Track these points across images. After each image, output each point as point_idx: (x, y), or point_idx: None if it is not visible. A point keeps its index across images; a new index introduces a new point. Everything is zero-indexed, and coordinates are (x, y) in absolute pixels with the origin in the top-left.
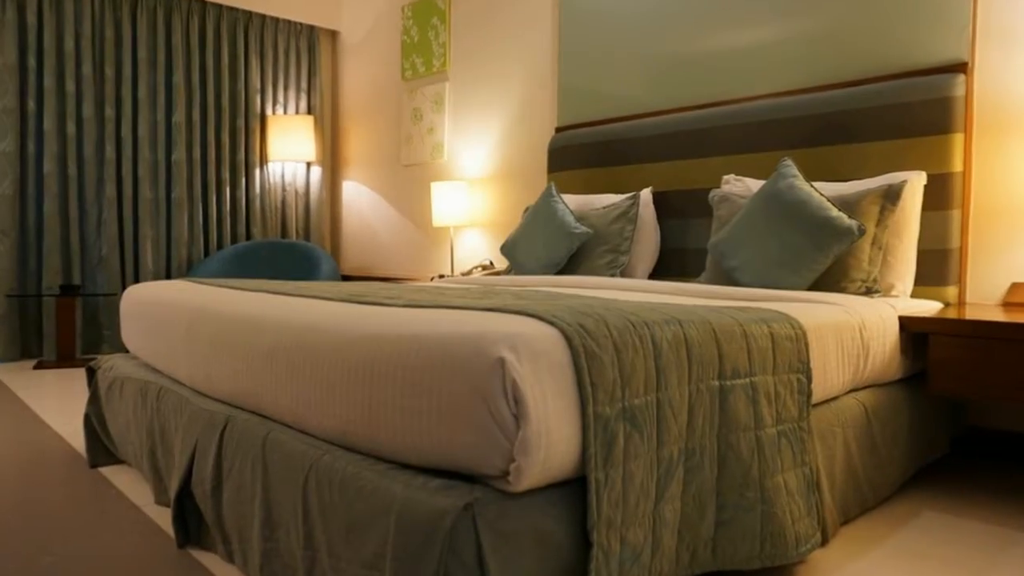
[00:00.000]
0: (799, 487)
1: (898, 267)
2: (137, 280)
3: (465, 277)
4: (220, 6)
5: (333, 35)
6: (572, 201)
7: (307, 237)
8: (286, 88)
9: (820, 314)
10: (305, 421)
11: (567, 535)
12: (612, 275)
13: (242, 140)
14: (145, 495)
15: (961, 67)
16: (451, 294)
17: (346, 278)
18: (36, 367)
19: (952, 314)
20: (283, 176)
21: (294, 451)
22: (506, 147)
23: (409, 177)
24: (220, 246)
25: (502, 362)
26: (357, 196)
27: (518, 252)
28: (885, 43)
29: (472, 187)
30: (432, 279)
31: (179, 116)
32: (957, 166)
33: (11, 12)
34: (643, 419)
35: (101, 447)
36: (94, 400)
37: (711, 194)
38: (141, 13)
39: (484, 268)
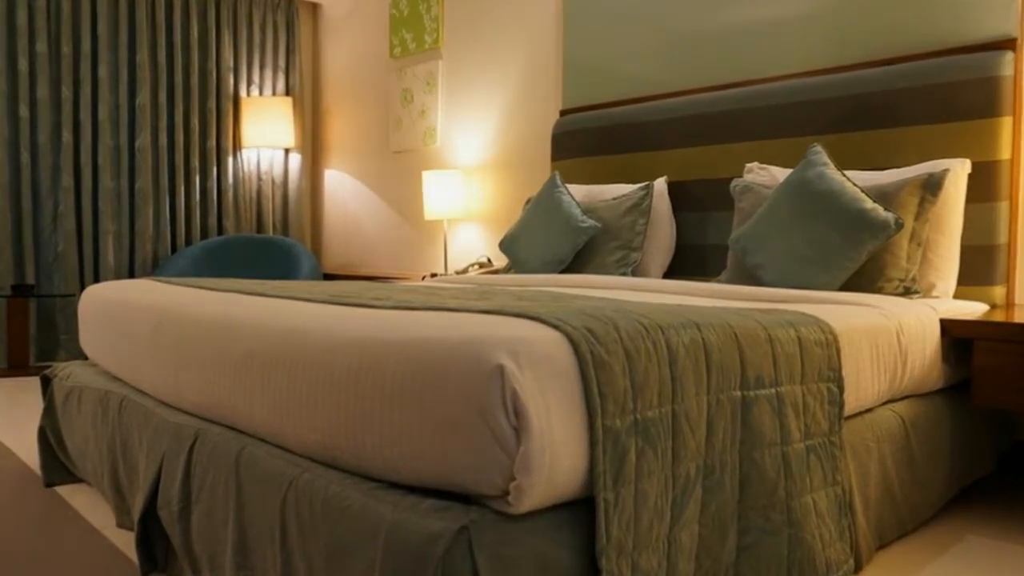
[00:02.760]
0: (830, 508)
1: (939, 265)
2: (97, 279)
3: (460, 276)
4: None
5: (314, 8)
6: (578, 192)
7: (285, 232)
8: (262, 67)
9: (853, 317)
10: (283, 435)
11: (573, 561)
12: (623, 274)
13: (213, 124)
14: (106, 517)
15: (1009, 43)
16: (445, 295)
17: (328, 277)
18: None
19: (999, 317)
20: (259, 164)
21: (271, 468)
22: (506, 132)
23: (398, 165)
24: (189, 242)
25: (501, 370)
26: (341, 186)
27: (519, 248)
28: (925, 17)
29: (468, 176)
30: (424, 278)
31: (143, 98)
32: (1004, 153)
33: None
34: (657, 433)
35: (57, 464)
36: (49, 412)
37: (732, 184)
38: None
39: (481, 266)
